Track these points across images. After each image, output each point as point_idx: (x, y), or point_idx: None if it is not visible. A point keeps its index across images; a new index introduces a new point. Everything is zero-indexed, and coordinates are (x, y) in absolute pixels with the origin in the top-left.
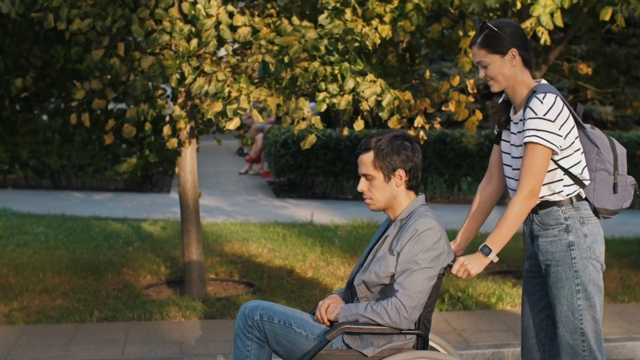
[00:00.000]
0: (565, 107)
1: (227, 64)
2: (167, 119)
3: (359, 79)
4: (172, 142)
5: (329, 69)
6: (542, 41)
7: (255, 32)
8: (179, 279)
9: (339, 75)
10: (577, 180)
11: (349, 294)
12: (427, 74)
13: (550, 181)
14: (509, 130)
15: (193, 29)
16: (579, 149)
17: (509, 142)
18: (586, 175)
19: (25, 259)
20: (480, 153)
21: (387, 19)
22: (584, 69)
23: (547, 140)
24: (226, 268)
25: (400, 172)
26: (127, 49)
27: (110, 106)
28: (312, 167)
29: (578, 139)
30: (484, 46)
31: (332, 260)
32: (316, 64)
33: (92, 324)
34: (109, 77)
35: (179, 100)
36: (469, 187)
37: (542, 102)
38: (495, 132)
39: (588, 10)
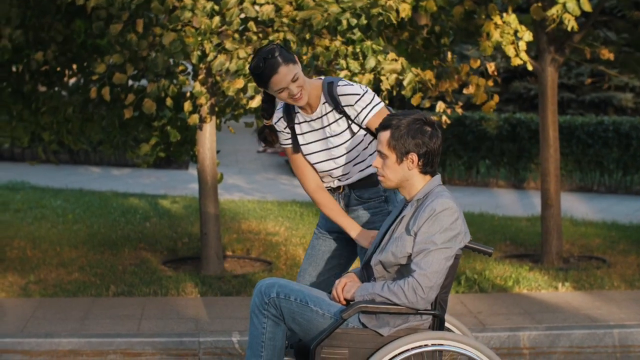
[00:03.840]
0: None
1: (249, 42)
2: (188, 95)
3: (380, 58)
4: (194, 118)
5: (350, 48)
6: (569, 27)
7: (278, 9)
8: (195, 256)
9: (360, 54)
10: None
11: (365, 274)
12: (449, 56)
13: (370, 154)
14: (307, 131)
15: (216, 7)
16: None
17: (320, 139)
18: None
19: (43, 232)
20: (500, 136)
21: None
22: (606, 54)
23: (381, 102)
24: (243, 245)
25: (413, 156)
26: (148, 24)
27: (130, 82)
28: None
29: None
30: (290, 61)
31: None
32: (337, 42)
33: (109, 299)
34: (128, 52)
35: (200, 77)
36: (487, 170)
37: (351, 85)
38: (289, 144)
39: None
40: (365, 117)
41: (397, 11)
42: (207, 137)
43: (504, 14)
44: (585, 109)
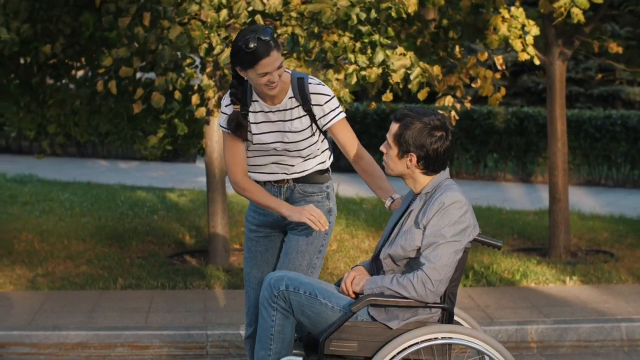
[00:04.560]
0: None
1: None
2: (196, 88)
3: (388, 52)
4: (201, 111)
5: (358, 44)
6: (575, 21)
7: (285, 3)
8: (203, 249)
9: (368, 48)
10: (330, 148)
11: (375, 268)
12: (457, 49)
13: (323, 150)
14: (261, 121)
15: (224, 0)
16: None
17: (275, 131)
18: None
19: (51, 225)
20: (507, 130)
21: None
22: (614, 47)
23: (343, 111)
24: None
25: (412, 157)
26: (156, 17)
27: (138, 75)
28: None
29: None
30: (279, 47)
31: (356, 233)
32: (346, 38)
33: (116, 292)
34: (136, 45)
35: (207, 70)
36: (494, 164)
37: (323, 85)
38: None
39: None
40: (332, 119)
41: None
42: (215, 131)
43: (512, 8)
44: (593, 102)
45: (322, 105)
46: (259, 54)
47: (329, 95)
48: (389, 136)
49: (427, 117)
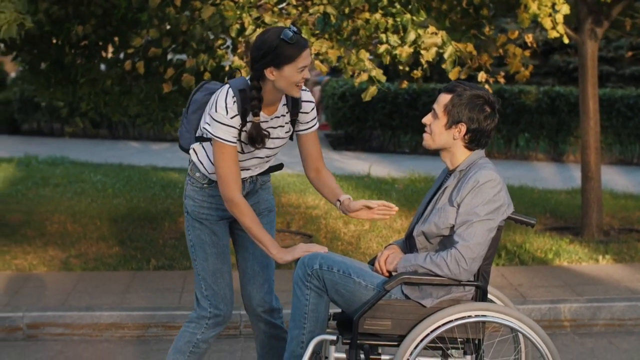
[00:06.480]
0: None
1: (288, 16)
2: (227, 69)
3: (420, 31)
4: None
5: (390, 20)
6: None
7: None
8: None
9: (400, 27)
10: None
11: (408, 246)
12: (487, 28)
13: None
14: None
15: None
16: None
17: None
18: None
19: (83, 206)
20: (539, 109)
21: None
22: None
23: None
24: (283, 219)
25: (462, 127)
26: None
27: (170, 56)
28: (370, 120)
29: None
30: None
31: None
32: (378, 15)
33: (149, 272)
34: (168, 26)
35: (239, 51)
36: (526, 143)
37: (309, 91)
38: (235, 143)
39: None
40: (312, 127)
41: None
42: None
43: None
44: (625, 82)
45: (308, 112)
46: (301, 45)
47: (314, 102)
48: (438, 106)
49: (478, 91)
